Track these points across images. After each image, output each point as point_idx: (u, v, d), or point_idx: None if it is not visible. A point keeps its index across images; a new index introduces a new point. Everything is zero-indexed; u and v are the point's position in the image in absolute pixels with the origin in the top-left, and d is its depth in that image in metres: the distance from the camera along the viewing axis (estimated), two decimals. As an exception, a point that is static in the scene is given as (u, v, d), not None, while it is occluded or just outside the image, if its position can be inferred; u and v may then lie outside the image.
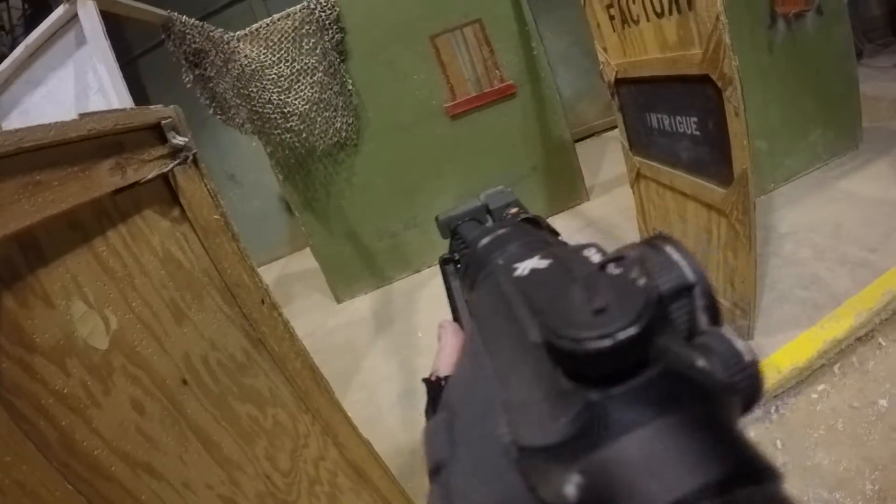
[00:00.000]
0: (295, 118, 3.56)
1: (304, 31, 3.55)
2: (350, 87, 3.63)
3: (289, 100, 3.55)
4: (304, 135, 3.59)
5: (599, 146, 5.27)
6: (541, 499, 0.20)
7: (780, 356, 2.02)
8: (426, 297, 3.70)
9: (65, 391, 0.67)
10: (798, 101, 3.02)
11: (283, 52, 3.55)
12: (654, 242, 0.28)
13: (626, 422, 0.19)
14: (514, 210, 0.58)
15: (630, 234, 3.21)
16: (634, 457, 0.18)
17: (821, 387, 1.93)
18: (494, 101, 3.80)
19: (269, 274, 5.73)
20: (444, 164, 3.87)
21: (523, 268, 0.29)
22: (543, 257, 0.29)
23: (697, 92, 1.79)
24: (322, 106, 3.59)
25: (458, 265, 0.49)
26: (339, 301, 4.12)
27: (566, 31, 5.57)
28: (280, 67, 3.55)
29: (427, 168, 3.87)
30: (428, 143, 3.81)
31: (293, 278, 5.24)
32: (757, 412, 1.90)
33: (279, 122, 3.56)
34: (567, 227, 3.86)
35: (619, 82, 2.48)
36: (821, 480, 1.62)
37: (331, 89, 3.59)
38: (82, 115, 0.79)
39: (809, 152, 3.15)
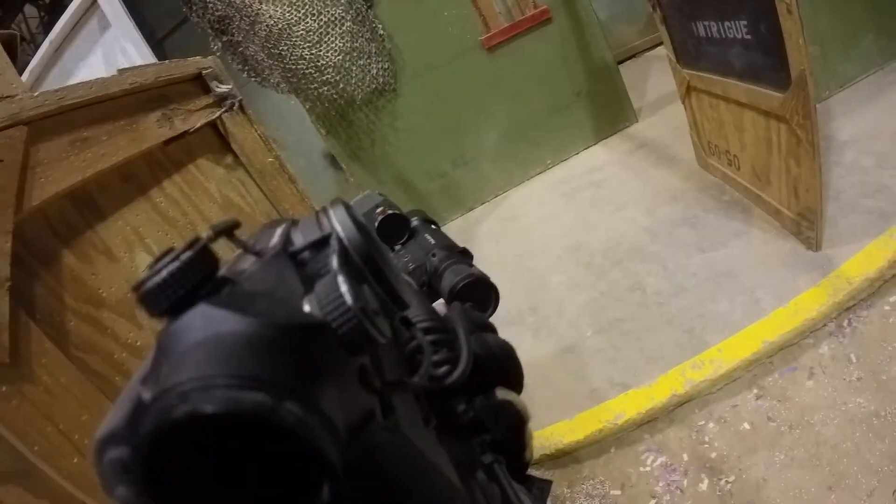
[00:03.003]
0: (330, 70, 3.54)
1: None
2: (381, 32, 3.56)
3: (321, 53, 3.51)
4: (340, 85, 3.57)
5: (643, 66, 5.02)
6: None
7: (849, 267, 1.92)
8: (483, 233, 3.71)
9: (138, 343, 0.69)
10: (848, 5, 2.79)
11: (307, 6, 3.48)
12: (326, 206, 0.35)
13: (176, 337, 0.25)
14: (380, 209, 0.64)
15: (684, 151, 3.09)
16: (170, 361, 0.24)
17: (893, 298, 1.83)
18: (530, 28, 3.66)
19: (321, 231, 5.81)
20: (486, 98, 3.79)
21: None
22: None
23: (747, -10, 1.67)
24: (355, 55, 3.54)
25: None
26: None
27: None
28: (307, 22, 3.50)
29: (470, 104, 3.80)
30: (468, 79, 3.73)
31: (346, 232, 5.30)
32: (830, 327, 1.84)
33: (314, 76, 3.54)
34: (618, 150, 3.75)
35: (661, -9, 2.34)
36: (898, 395, 1.55)
37: (362, 37, 3.53)
38: (121, 71, 0.80)
39: (863, 58, 2.93)
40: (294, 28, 3.47)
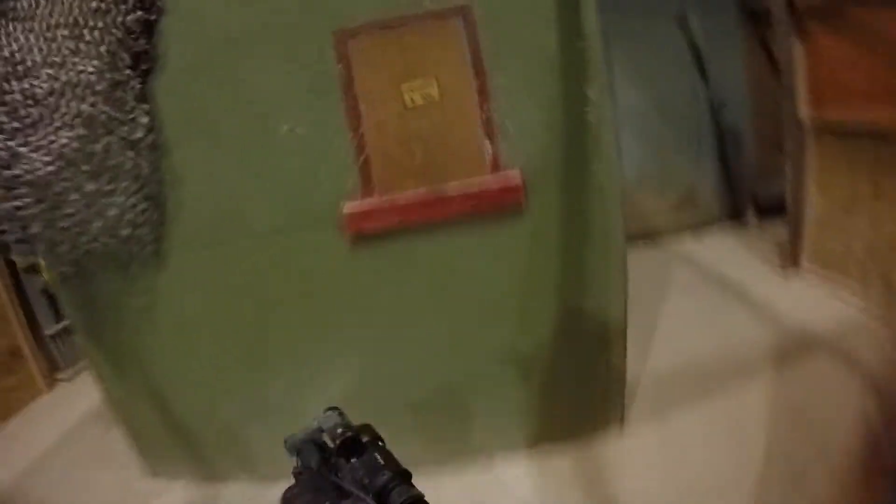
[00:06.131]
0: (28, 190, 1.70)
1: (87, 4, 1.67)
2: (145, 135, 1.71)
3: (23, 150, 1.68)
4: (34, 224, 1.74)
5: (659, 266, 3.24)
6: None
7: None
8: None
9: None
10: None
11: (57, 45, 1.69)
12: None
13: None
14: (340, 430, 0.84)
15: None
16: None
17: None
18: (470, 215, 1.79)
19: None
20: (333, 318, 1.90)
21: None
22: None
23: None
24: (86, 171, 1.70)
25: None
26: (154, 474, 2.33)
27: (645, 74, 3.53)
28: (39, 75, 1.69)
29: (296, 323, 1.92)
30: (306, 279, 1.86)
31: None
32: None
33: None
34: (554, 484, 1.89)
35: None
36: None
37: (111, 133, 1.68)
38: None
39: None
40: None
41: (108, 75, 1.66)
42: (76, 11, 1.68)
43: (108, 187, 1.72)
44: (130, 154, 1.70)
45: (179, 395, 2.04)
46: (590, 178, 1.79)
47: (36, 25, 1.71)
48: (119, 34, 1.66)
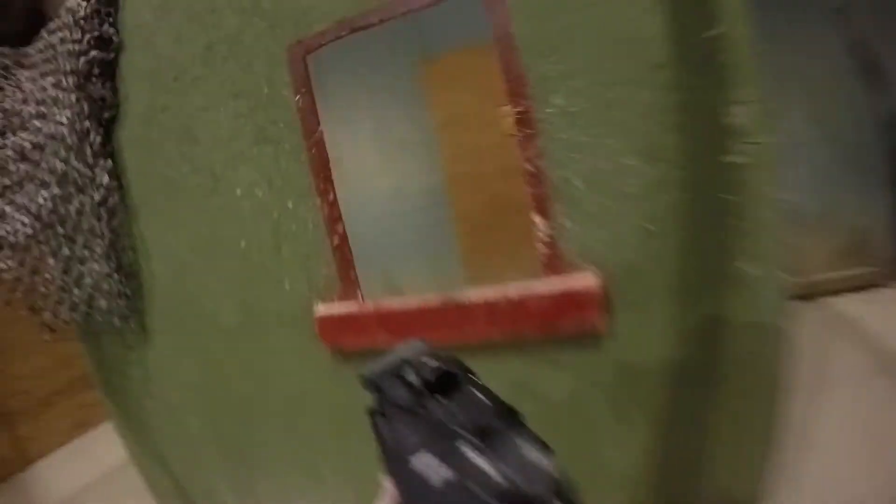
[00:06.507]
0: (10, 252, 1.51)
1: (65, 47, 1.42)
2: (105, 196, 1.39)
3: (8, 210, 1.49)
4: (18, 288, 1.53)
5: (815, 337, 2.41)
6: None
7: None
8: None
9: None
10: None
11: (45, 94, 1.51)
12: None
13: None
14: (429, 363, 0.63)
15: None
16: None
17: None
18: (508, 340, 1.11)
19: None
20: (318, 439, 1.45)
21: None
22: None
23: None
24: (62, 234, 1.46)
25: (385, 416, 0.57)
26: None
27: (796, 84, 2.69)
28: (29, 127, 1.50)
29: (283, 432, 1.50)
30: (282, 388, 1.45)
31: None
32: None
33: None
34: None
35: None
36: None
37: (82, 193, 1.41)
38: None
39: None
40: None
41: (77, 126, 1.38)
42: (59, 57, 1.45)
43: (83, 252, 1.45)
44: (96, 216, 1.40)
45: (184, 467, 1.75)
46: (730, 273, 0.96)
47: (36, 74, 1.54)
48: (79, 79, 1.35)
